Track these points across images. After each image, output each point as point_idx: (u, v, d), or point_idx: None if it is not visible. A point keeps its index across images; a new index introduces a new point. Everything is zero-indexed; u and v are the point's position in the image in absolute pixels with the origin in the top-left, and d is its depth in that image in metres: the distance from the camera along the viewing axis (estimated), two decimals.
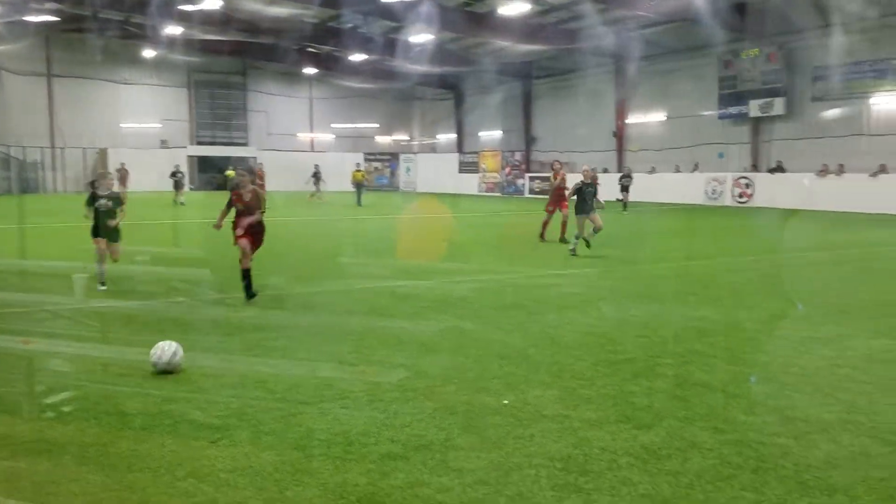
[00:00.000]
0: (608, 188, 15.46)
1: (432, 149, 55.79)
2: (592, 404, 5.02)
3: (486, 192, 46.40)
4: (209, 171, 47.73)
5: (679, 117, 36.03)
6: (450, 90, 51.15)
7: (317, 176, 35.02)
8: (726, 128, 33.94)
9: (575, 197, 13.71)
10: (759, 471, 3.94)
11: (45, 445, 4.28)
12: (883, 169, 26.23)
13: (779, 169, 30.85)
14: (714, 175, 32.80)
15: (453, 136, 53.02)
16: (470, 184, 47.30)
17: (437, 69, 41.75)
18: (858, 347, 6.61)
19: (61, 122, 43.55)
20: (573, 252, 13.52)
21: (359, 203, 30.92)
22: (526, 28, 33.82)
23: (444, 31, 34.93)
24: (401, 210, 29.33)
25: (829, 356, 6.30)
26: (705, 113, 34.45)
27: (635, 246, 13.94)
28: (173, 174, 32.64)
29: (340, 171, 43.28)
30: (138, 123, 45.83)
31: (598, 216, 13.49)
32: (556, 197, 16.23)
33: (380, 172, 52.17)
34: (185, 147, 46.61)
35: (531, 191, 43.00)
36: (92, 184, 10.24)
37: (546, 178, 41.63)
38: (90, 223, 9.76)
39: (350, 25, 38.16)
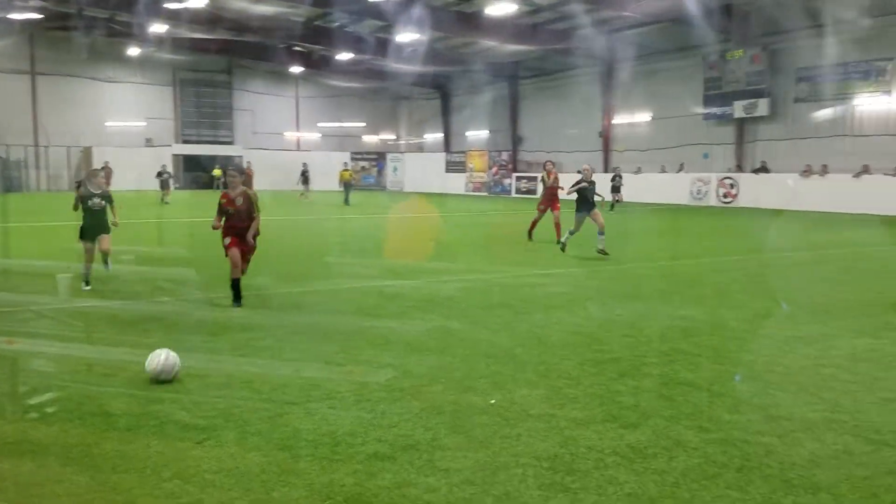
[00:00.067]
0: (601, 187, 15.45)
1: (419, 148, 55.77)
2: (579, 403, 5.04)
3: (474, 191, 46.45)
4: (194, 170, 47.51)
5: (665, 118, 36.21)
6: (437, 90, 51.15)
7: (305, 175, 34.96)
8: (711, 128, 34.16)
9: (576, 194, 13.73)
10: (744, 469, 3.96)
11: (29, 446, 4.25)
12: (866, 169, 26.48)
13: (763, 169, 31.08)
14: (699, 175, 32.99)
15: (440, 135, 53.02)
16: (457, 183, 47.33)
17: (424, 69, 41.71)
18: (842, 347, 6.67)
19: (45, 121, 43.19)
20: (562, 245, 13.80)
21: (346, 202, 30.86)
22: (513, 28, 33.87)
23: (431, 30, 34.90)
24: (388, 209, 29.30)
25: (813, 355, 6.36)
26: (691, 114, 34.65)
27: (621, 246, 13.98)
28: (160, 174, 32.47)
29: (327, 170, 43.26)
30: (123, 122, 45.51)
31: (599, 214, 13.44)
32: (549, 197, 16.15)
33: (367, 172, 52.11)
34: (169, 146, 46.33)
35: (518, 190, 43.10)
36: (79, 184, 10.13)
37: (533, 178, 41.82)
38: (79, 224, 9.67)
39: (337, 24, 38.09)
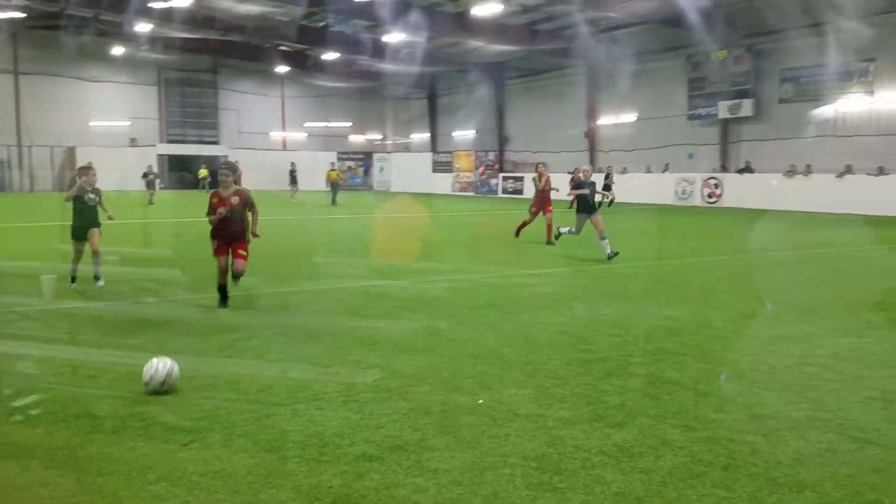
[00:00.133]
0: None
1: (406, 148, 55.77)
2: (566, 403, 5.05)
3: (460, 191, 46.50)
4: (180, 170, 47.28)
5: (650, 118, 36.40)
6: (424, 90, 51.14)
7: (293, 175, 34.87)
8: (696, 129, 34.38)
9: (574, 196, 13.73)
10: (730, 468, 3.99)
11: (13, 449, 4.21)
12: (849, 170, 26.72)
13: (747, 170, 31.31)
14: (684, 175, 33.18)
15: (427, 135, 53.04)
16: (444, 183, 47.35)
17: (410, 69, 41.71)
18: (826, 346, 6.73)
19: (28, 121, 42.81)
20: (557, 235, 14.39)
21: (333, 203, 30.76)
22: (499, 29, 33.94)
23: (417, 30, 34.88)
24: (375, 209, 29.26)
25: (797, 354, 6.41)
26: (676, 114, 34.85)
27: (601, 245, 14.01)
28: (145, 174, 32.28)
29: (313, 170, 43.15)
30: (107, 122, 45.20)
31: (599, 219, 13.22)
32: (541, 199, 16.04)
33: (353, 172, 52.03)
34: (154, 146, 46.06)
35: (505, 190, 43.18)
36: (73, 179, 10.11)
37: (520, 178, 41.92)
38: (68, 223, 9.58)
39: (323, 24, 38.00)
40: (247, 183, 10.69)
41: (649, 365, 6.04)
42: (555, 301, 9.01)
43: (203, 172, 44.68)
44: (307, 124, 53.80)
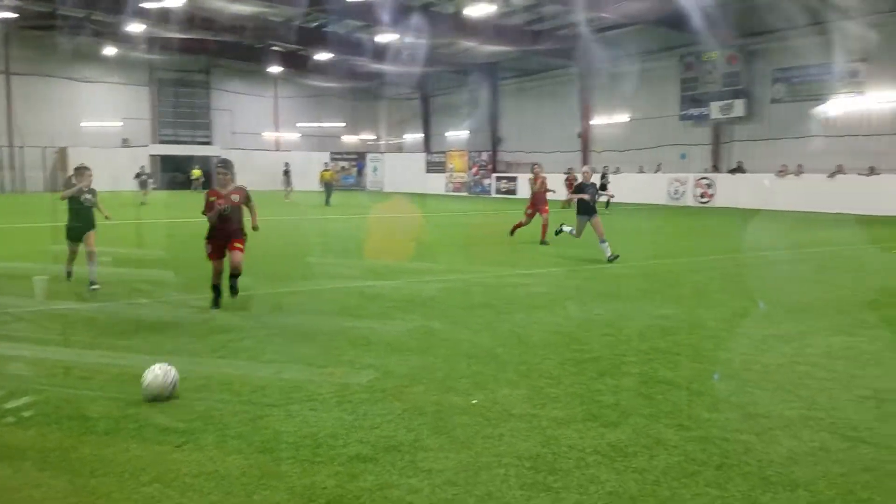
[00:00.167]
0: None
1: (399, 148, 55.74)
2: (560, 403, 5.06)
3: (454, 191, 46.50)
4: (172, 171, 47.13)
5: (642, 119, 36.48)
6: (416, 90, 51.14)
7: (287, 174, 34.84)
8: (688, 129, 34.48)
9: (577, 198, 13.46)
10: (723, 467, 4.00)
11: (6, 451, 4.19)
12: (840, 169, 26.83)
13: (739, 169, 31.41)
14: (676, 176, 33.26)
15: (420, 135, 53.02)
16: (437, 183, 47.35)
17: (403, 69, 41.69)
18: (818, 345, 6.75)
19: (20, 121, 42.62)
20: (557, 233, 14.28)
21: (327, 203, 30.71)
22: (492, 29, 33.95)
23: (411, 30, 34.87)
24: (369, 210, 29.23)
25: (789, 353, 6.43)
26: (668, 114, 34.94)
27: (597, 245, 14.03)
28: (138, 174, 32.16)
29: (306, 170, 43.07)
30: (99, 122, 45.02)
31: (599, 222, 13.04)
32: (537, 201, 15.97)
33: (347, 172, 51.96)
34: (146, 146, 45.92)
35: (498, 191, 43.21)
36: (69, 179, 10.02)
37: (513, 179, 41.96)
38: (65, 223, 9.55)
39: (316, 24, 37.95)
40: (240, 183, 10.64)
41: (643, 364, 6.05)
42: (548, 301, 9.02)
43: (196, 173, 44.56)
44: (300, 124, 53.72)
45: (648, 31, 32.51)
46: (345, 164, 52.42)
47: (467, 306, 8.61)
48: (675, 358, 6.27)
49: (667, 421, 4.70)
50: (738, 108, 31.68)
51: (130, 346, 6.60)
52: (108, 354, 6.24)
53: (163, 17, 32.68)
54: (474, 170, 45.40)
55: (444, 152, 48.62)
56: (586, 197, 13.22)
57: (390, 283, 10.24)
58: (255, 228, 8.64)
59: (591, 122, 39.25)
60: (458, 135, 49.53)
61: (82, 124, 44.45)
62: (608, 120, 38.46)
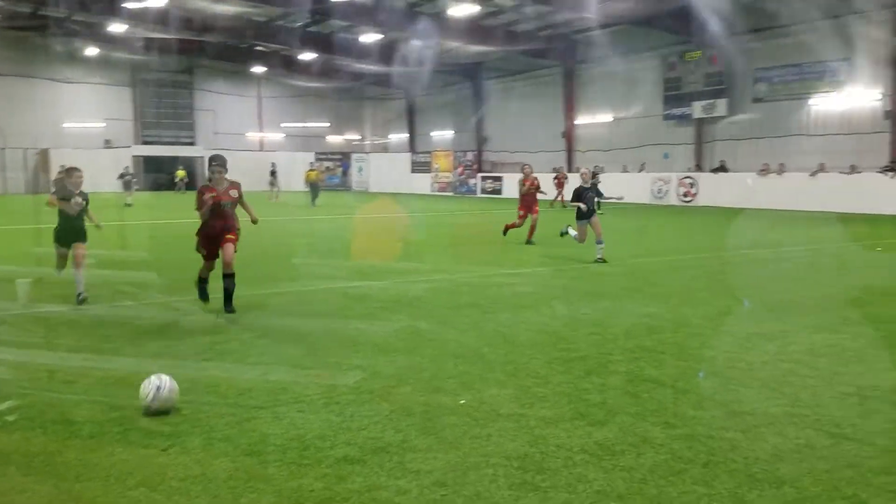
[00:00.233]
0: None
1: (384, 148, 55.66)
2: (547, 402, 5.07)
3: (439, 191, 46.49)
4: (155, 171, 46.82)
5: (626, 118, 36.67)
6: (401, 90, 51.08)
7: (274, 175, 34.71)
8: (671, 128, 34.69)
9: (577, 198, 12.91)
10: (710, 465, 4.03)
11: None
12: (822, 168, 27.09)
13: (722, 169, 31.64)
14: (660, 175, 33.45)
15: (405, 135, 52.97)
16: (422, 183, 47.33)
17: (388, 69, 41.64)
18: (801, 342, 6.81)
19: (1, 122, 42.09)
20: (562, 235, 13.79)
21: (313, 203, 30.59)
22: (475, 29, 34.00)
23: (394, 31, 34.86)
24: (355, 210, 29.17)
25: (773, 351, 6.48)
26: (651, 114, 35.14)
27: (585, 245, 14.08)
28: (122, 175, 31.90)
29: (291, 170, 42.93)
30: (81, 123, 44.62)
31: (598, 223, 12.77)
32: (529, 201, 15.82)
33: (332, 172, 51.81)
34: (129, 147, 45.57)
35: (483, 190, 43.25)
36: (60, 180, 9.61)
37: (498, 178, 42.02)
38: (52, 226, 9.03)
39: (299, 24, 37.82)
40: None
41: (629, 363, 6.08)
42: (534, 300, 9.04)
43: (180, 174, 44.29)
44: (284, 125, 53.51)
45: (631, 32, 32.67)
46: (329, 164, 52.27)
47: (454, 306, 8.61)
48: (661, 356, 6.30)
49: (653, 419, 4.73)
50: (720, 107, 31.92)
51: (115, 349, 6.55)
52: (92, 357, 6.19)
53: (145, 17, 32.45)
54: (459, 170, 45.42)
55: (429, 152, 48.61)
56: (583, 207, 12.73)
57: (377, 284, 10.22)
58: (254, 222, 8.54)
59: (576, 122, 39.41)
60: (443, 135, 49.55)
61: (64, 125, 44.03)
62: (592, 119, 38.63)
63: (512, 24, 35.08)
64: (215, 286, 8.29)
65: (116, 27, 35.00)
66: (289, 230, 20.12)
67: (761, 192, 28.23)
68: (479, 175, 44.11)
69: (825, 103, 28.62)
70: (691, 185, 31.89)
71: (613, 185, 33.28)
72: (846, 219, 21.93)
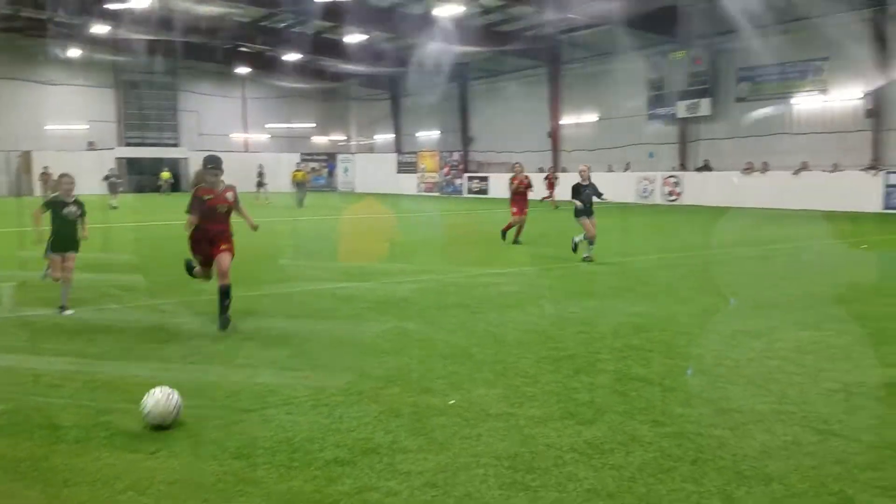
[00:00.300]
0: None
1: (370, 149, 55.55)
2: (536, 401, 5.08)
3: (425, 191, 46.46)
4: (139, 173, 46.51)
5: (611, 118, 36.80)
6: (386, 90, 51.01)
7: (261, 175, 34.58)
8: (656, 128, 34.85)
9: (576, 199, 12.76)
10: (698, 462, 4.05)
11: None
12: (805, 166, 27.31)
13: (706, 168, 31.84)
14: (645, 174, 33.59)
15: (391, 136, 52.89)
16: (409, 184, 47.29)
17: (373, 69, 41.57)
18: (787, 339, 6.86)
19: None
20: (574, 249, 12.88)
21: (301, 204, 30.46)
22: (462, 29, 33.98)
23: (379, 31, 34.81)
24: (341, 211, 29.08)
25: (759, 348, 6.53)
26: (636, 114, 35.28)
27: (570, 244, 14.12)
28: (107, 177, 31.66)
29: (276, 171, 42.77)
30: (64, 125, 44.25)
31: (595, 222, 12.60)
32: (520, 199, 15.76)
33: (317, 173, 51.64)
34: (112, 149, 45.23)
35: (470, 190, 43.26)
36: (56, 185, 8.68)
37: (485, 178, 42.06)
38: (42, 229, 8.38)
39: (284, 25, 37.69)
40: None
41: (617, 362, 6.10)
42: (522, 300, 9.06)
43: (165, 175, 44.00)
44: (269, 125, 53.31)
45: (615, 32, 32.77)
46: (315, 164, 52.10)
47: (441, 306, 8.61)
48: (648, 354, 6.33)
49: (642, 417, 4.75)
50: (704, 107, 32.12)
51: (100, 352, 6.50)
52: (78, 361, 6.14)
53: (128, 18, 32.21)
54: (446, 170, 45.42)
55: (415, 153, 48.56)
56: (579, 204, 12.67)
57: (364, 285, 10.20)
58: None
59: (561, 122, 39.51)
60: (428, 135, 49.52)
61: (47, 127, 43.68)
62: (577, 119, 38.74)
63: (497, 25, 35.12)
64: (213, 287, 8.23)
65: (99, 28, 34.72)
66: (276, 231, 20.03)
67: (745, 190, 28.41)
68: (466, 175, 44.13)
69: (808, 102, 28.87)
70: (676, 184, 32.05)
71: (599, 186, 33.77)
72: (830, 217, 22.11)
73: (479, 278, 10.81)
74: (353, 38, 36.42)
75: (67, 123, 44.42)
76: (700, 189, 30.78)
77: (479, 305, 8.64)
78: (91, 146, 44.81)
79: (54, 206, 8.31)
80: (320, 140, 56.06)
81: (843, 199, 25.09)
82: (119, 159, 44.38)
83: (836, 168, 26.43)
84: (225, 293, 7.32)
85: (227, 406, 5.01)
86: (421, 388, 5.38)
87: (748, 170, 28.99)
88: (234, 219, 7.80)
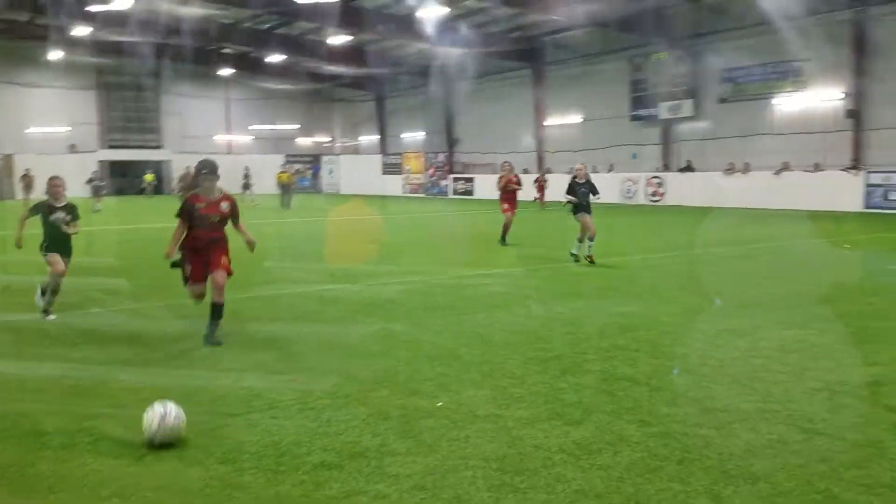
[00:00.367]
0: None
1: (355, 150, 55.44)
2: (524, 402, 5.09)
3: (411, 193, 46.43)
4: (121, 176, 46.16)
5: (595, 119, 36.93)
6: (371, 91, 50.93)
7: (247, 178, 34.44)
8: (639, 129, 35.05)
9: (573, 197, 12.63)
10: (685, 462, 4.07)
11: None
12: (786, 166, 27.54)
13: (688, 168, 32.05)
14: (628, 175, 33.75)
15: (376, 137, 52.81)
16: (394, 185, 47.23)
17: (357, 71, 41.47)
18: (771, 338, 6.91)
19: None
20: (576, 260, 12.52)
21: (287, 206, 30.33)
22: (445, 31, 33.99)
23: (363, 32, 34.74)
24: (327, 212, 29.00)
25: (744, 347, 6.57)
26: (619, 115, 35.45)
27: (557, 244, 14.19)
28: (90, 180, 31.37)
29: (260, 173, 42.57)
30: (45, 128, 43.82)
31: (591, 220, 12.44)
32: (510, 198, 15.73)
33: (302, 174, 51.46)
34: (94, 151, 44.86)
35: (455, 192, 43.28)
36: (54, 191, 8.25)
37: (470, 179, 42.09)
38: (35, 234, 8.23)
39: (267, 26, 37.53)
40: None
41: (603, 362, 6.13)
42: (509, 300, 9.07)
43: (149, 178, 43.69)
44: (253, 127, 53.07)
45: (598, 33, 32.96)
46: (300, 166, 51.92)
47: (428, 308, 8.60)
48: (635, 354, 6.35)
49: (628, 417, 4.77)
50: (687, 108, 32.34)
51: (84, 357, 6.44)
52: (62, 366, 6.08)
53: (110, 20, 31.94)
54: (431, 171, 45.40)
55: (400, 154, 48.51)
56: (574, 200, 12.59)
57: (350, 287, 10.18)
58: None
59: (545, 123, 39.62)
60: (414, 136, 49.48)
61: (28, 130, 43.25)
62: (562, 121, 38.86)
63: (482, 26, 35.16)
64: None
65: (81, 30, 34.40)
66: (261, 233, 19.93)
67: (727, 190, 28.60)
68: (451, 176, 44.13)
69: (789, 103, 29.13)
70: (659, 184, 32.23)
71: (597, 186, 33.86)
72: (811, 216, 22.31)
73: (466, 279, 10.82)
74: (338, 39, 36.33)
75: (49, 126, 44.00)
76: (683, 190, 30.96)
77: (467, 306, 8.65)
78: (73, 149, 44.40)
79: (42, 210, 8.05)
80: (305, 141, 55.88)
81: (824, 199, 25.34)
82: (101, 162, 44.05)
83: (817, 168, 26.69)
84: (217, 312, 6.83)
85: (212, 411, 4.97)
86: (409, 390, 5.37)
87: (730, 170, 29.19)
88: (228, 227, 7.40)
